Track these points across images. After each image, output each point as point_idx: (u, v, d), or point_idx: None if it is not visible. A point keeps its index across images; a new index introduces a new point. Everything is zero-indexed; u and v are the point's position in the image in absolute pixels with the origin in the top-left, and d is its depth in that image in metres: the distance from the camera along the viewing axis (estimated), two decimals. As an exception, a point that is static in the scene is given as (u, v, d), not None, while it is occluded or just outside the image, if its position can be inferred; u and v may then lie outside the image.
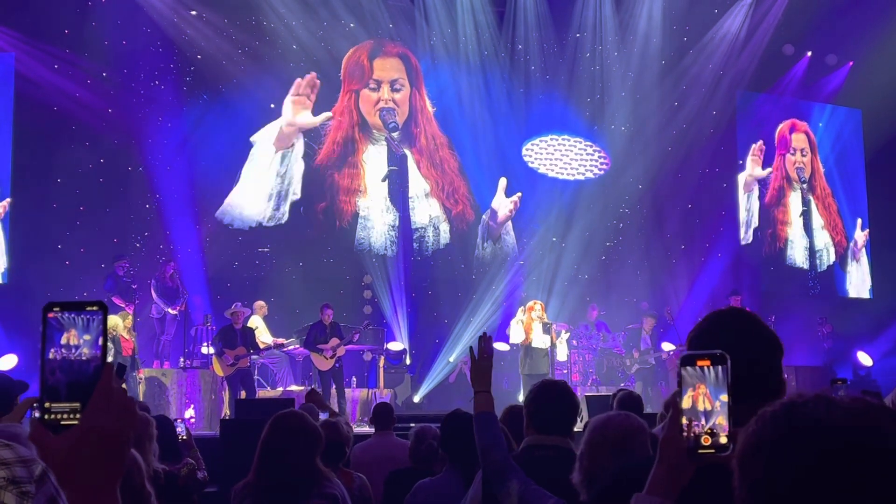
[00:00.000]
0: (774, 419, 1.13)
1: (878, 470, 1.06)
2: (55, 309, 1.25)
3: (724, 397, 1.53)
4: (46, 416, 1.22)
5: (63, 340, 1.24)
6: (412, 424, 10.30)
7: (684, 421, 1.54)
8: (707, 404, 1.53)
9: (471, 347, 3.60)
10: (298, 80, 16.17)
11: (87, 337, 1.24)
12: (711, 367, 1.54)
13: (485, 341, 3.55)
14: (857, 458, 1.06)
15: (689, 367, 1.55)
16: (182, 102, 15.69)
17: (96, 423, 1.20)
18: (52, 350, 1.24)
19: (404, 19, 16.74)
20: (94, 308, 1.26)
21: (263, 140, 16.05)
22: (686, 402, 1.54)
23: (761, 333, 1.96)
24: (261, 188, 15.97)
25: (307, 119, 16.26)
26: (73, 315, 1.25)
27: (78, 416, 1.21)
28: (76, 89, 14.70)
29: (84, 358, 1.24)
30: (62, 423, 1.21)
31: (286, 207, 16.10)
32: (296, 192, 16.13)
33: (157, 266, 14.15)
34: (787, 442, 1.10)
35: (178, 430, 5.80)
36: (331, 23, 16.29)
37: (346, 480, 4.85)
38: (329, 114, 16.37)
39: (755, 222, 18.76)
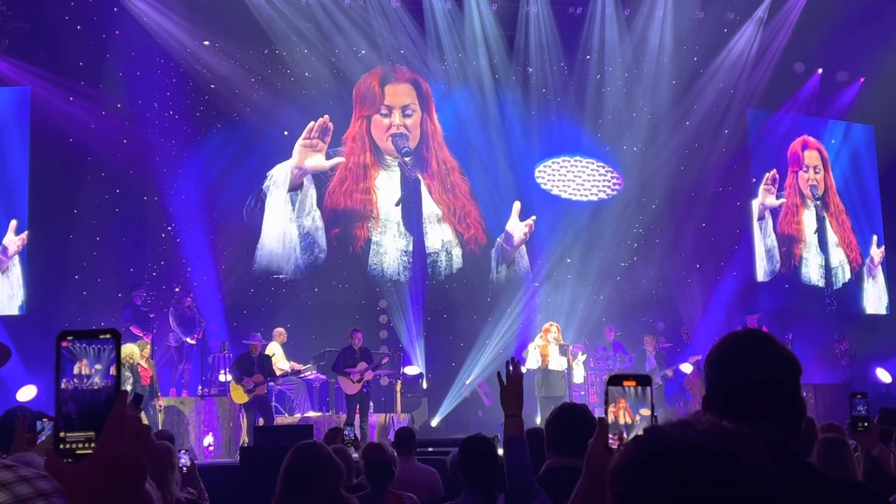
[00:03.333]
0: (638, 442, 1.19)
1: (725, 494, 1.10)
2: (68, 338, 1.27)
3: (645, 412, 1.62)
4: (62, 446, 1.23)
5: (75, 370, 1.25)
6: (430, 448, 10.31)
7: (610, 435, 1.63)
8: (627, 418, 1.63)
9: (498, 373, 3.61)
10: (311, 123, 16.24)
11: (98, 366, 1.26)
12: (636, 387, 1.63)
13: (513, 365, 3.57)
14: (707, 481, 1.11)
15: (613, 386, 1.64)
16: (196, 132, 15.84)
17: (110, 451, 1.21)
18: (65, 380, 1.25)
19: (415, 45, 16.84)
20: (107, 336, 1.27)
21: (277, 185, 16.14)
22: (609, 418, 1.64)
23: (778, 354, 1.97)
24: (287, 242, 16.10)
25: (318, 162, 16.32)
26: (84, 344, 1.26)
27: (93, 444, 1.23)
28: (91, 121, 14.83)
29: (95, 387, 1.25)
30: (77, 452, 1.23)
31: (313, 256, 16.21)
32: (322, 249, 16.24)
33: (173, 295, 14.24)
34: (646, 465, 1.15)
35: (182, 461, 5.65)
36: (343, 49, 16.42)
37: (395, 501, 4.82)
38: (341, 159, 16.42)
39: (777, 258, 18.67)
